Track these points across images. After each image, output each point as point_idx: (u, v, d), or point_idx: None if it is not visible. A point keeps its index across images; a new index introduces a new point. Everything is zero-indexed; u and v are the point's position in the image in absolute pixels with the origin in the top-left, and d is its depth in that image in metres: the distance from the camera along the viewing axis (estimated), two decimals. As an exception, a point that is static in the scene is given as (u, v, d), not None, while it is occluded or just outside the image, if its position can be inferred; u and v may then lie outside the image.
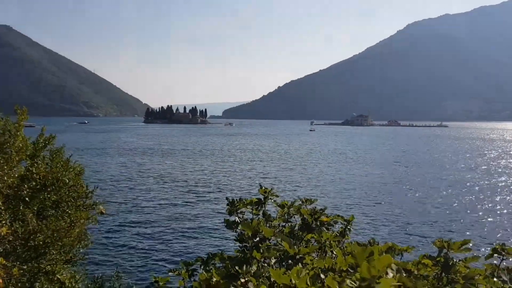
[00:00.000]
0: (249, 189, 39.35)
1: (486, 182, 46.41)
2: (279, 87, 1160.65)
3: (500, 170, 57.86)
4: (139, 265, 19.66)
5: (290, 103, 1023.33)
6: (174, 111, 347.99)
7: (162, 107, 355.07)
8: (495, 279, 3.12)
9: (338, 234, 4.42)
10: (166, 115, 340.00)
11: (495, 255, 3.47)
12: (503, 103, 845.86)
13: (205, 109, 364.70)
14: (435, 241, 3.25)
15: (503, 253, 3.38)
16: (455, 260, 3.12)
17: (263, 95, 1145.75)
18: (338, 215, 4.46)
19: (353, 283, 1.44)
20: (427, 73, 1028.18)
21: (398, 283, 1.65)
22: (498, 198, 36.93)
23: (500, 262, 3.45)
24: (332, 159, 69.76)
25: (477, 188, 42.35)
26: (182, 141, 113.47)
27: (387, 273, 1.75)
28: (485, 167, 61.03)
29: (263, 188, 4.42)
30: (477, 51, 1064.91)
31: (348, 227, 4.44)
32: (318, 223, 4.02)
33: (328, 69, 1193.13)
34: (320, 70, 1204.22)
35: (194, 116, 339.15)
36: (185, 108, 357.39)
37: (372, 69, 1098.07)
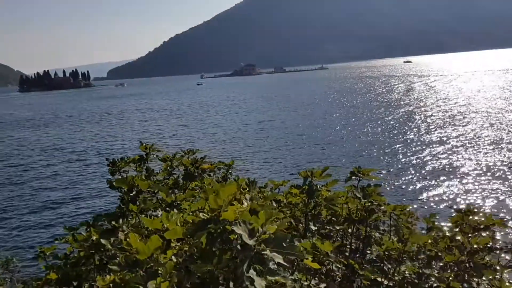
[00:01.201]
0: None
1: (364, 117, 50.58)
2: (164, 42, 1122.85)
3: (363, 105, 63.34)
4: (24, 237, 18.84)
5: (178, 57, 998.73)
6: (53, 76, 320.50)
7: (37, 73, 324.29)
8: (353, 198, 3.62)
9: (220, 179, 4.69)
10: (44, 82, 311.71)
11: (353, 177, 3.98)
12: (376, 43, 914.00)
13: (87, 71, 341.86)
14: (300, 172, 3.63)
15: (359, 175, 3.90)
16: (318, 186, 3.54)
17: (149, 52, 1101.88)
18: (220, 161, 4.71)
19: (205, 214, 1.62)
20: (307, 19, 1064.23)
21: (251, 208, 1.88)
22: (365, 129, 40.57)
23: (358, 183, 3.98)
24: (223, 111, 70.40)
25: (353, 120, 46.02)
26: (65, 109, 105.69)
27: (242, 203, 1.98)
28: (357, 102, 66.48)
29: (144, 144, 4.47)
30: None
31: (230, 171, 4.72)
32: (200, 171, 4.20)
33: (212, 20, 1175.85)
34: (204, 22, 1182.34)
35: (76, 80, 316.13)
36: (64, 72, 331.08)
37: (256, 18, 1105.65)
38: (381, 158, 29.10)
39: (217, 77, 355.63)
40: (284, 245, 1.59)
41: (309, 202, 3.44)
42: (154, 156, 4.51)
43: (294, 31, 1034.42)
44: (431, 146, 31.24)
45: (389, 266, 3.13)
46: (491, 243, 3.93)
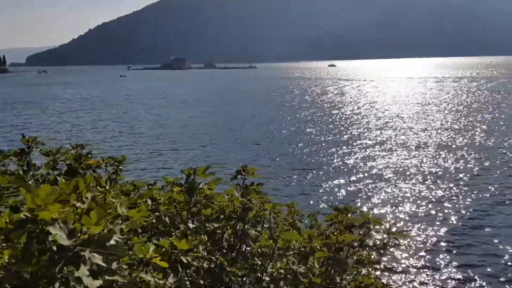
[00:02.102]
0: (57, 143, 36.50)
1: (286, 116, 51.89)
2: (90, 29, 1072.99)
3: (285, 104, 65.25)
4: None
5: (104, 47, 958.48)
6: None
7: None
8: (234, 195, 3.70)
9: (111, 176, 4.57)
10: None
11: (239, 176, 4.07)
12: (303, 46, 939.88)
13: (3, 56, 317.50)
14: (183, 170, 3.64)
15: (244, 173, 3.99)
16: (201, 185, 3.56)
17: (73, 39, 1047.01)
18: (111, 157, 4.58)
19: (25, 214, 1.57)
20: (237, 18, 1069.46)
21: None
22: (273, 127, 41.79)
23: (243, 181, 4.07)
24: (138, 107, 68.45)
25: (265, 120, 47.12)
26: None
27: (83, 201, 1.95)
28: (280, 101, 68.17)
29: (26, 137, 4.25)
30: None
31: (120, 167, 4.61)
32: (84, 167, 4.07)
33: (142, 11, 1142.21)
34: (134, 12, 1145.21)
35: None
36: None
37: (186, 12, 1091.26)
38: (287, 157, 30.00)
39: (146, 70, 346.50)
40: (107, 245, 1.59)
41: (189, 200, 3.46)
42: (38, 150, 4.30)
43: (225, 28, 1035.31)
44: (338, 146, 32.72)
45: (259, 263, 3.24)
46: (367, 240, 4.22)
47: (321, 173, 25.13)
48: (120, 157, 4.59)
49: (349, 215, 4.16)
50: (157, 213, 3.24)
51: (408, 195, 20.71)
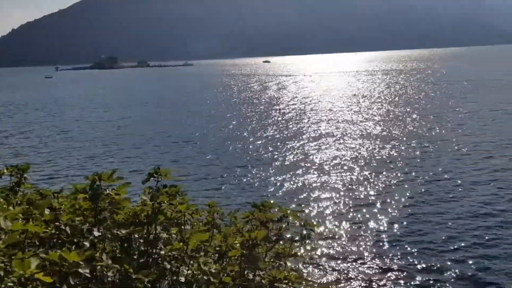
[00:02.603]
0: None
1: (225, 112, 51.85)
2: (13, 29, 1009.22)
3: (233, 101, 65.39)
4: None
5: (30, 47, 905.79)
6: None
7: None
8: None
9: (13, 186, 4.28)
10: None
11: (151, 178, 3.97)
12: (237, 42, 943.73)
13: None
14: (87, 176, 3.48)
15: (156, 176, 3.89)
16: (107, 191, 3.42)
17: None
18: (13, 166, 4.30)
19: None
20: (169, 15, 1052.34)
21: None
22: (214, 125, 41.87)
23: (156, 184, 3.98)
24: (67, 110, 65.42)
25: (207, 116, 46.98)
26: None
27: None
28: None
29: None
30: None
31: (24, 175, 4.34)
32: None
33: (69, 9, 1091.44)
34: (60, 10, 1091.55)
35: None
36: None
37: (117, 10, 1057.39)
38: (224, 155, 30.08)
39: (75, 70, 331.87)
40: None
41: (95, 207, 3.31)
42: None
43: (156, 26, 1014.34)
44: (274, 142, 33.26)
45: (168, 267, 3.17)
46: (285, 234, 4.28)
47: (256, 169, 25.33)
48: (24, 165, 4.32)
49: (269, 210, 4.20)
50: (57, 223, 3.06)
51: (341, 186, 21.42)
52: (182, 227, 3.46)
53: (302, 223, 4.26)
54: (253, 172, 24.69)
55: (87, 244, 3.19)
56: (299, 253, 4.43)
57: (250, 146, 32.16)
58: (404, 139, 31.47)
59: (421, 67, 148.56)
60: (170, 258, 3.24)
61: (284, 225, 4.25)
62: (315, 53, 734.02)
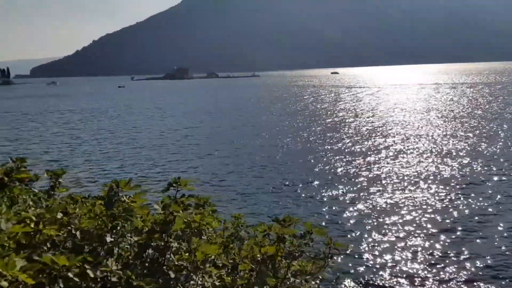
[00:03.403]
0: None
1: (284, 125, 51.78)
2: (94, 40, 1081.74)
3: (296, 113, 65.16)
4: None
5: (109, 58, 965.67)
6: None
7: None
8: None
9: (48, 189, 4.52)
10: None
11: (171, 188, 4.03)
12: (304, 53, 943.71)
13: (7, 68, 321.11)
14: (105, 184, 3.59)
15: (176, 185, 3.95)
16: (123, 198, 3.51)
17: (77, 50, 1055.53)
18: (49, 171, 4.55)
19: None
20: (240, 27, 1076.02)
21: None
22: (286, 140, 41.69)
23: (176, 193, 4.04)
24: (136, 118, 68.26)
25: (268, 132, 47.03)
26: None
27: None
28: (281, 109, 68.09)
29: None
30: (281, 6, 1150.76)
31: (59, 180, 4.58)
32: (15, 180, 4.03)
33: (146, 22, 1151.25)
34: (138, 23, 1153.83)
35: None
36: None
37: (190, 22, 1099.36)
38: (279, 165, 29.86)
39: (149, 80, 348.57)
40: None
41: (109, 213, 3.40)
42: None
43: (228, 37, 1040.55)
44: (335, 154, 32.55)
45: (172, 276, 3.18)
46: (303, 250, 4.15)
47: (318, 184, 24.94)
48: (59, 169, 4.57)
49: (292, 226, 4.10)
50: (68, 227, 3.18)
51: (401, 202, 20.53)
52: (194, 237, 3.46)
53: (328, 242, 4.11)
54: (314, 187, 24.31)
55: (99, 249, 3.29)
56: (320, 273, 4.27)
57: (324, 160, 31.36)
58: (469, 156, 29.62)
59: (492, 81, 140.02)
60: (176, 268, 3.25)
61: (305, 241, 4.14)
62: (381, 65, 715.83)
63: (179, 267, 3.23)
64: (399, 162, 28.97)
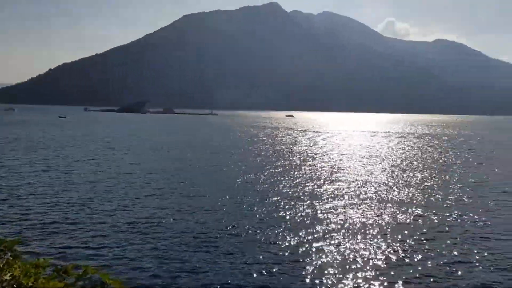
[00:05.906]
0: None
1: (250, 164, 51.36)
2: (50, 69, 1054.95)
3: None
4: None
5: (64, 87, 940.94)
6: None
7: None
8: None
9: None
10: None
11: None
12: (264, 96, 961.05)
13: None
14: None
15: None
16: None
17: (31, 77, 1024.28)
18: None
19: None
20: (201, 63, 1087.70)
21: None
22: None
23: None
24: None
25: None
26: None
27: None
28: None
29: None
30: (242, 44, 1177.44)
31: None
32: None
33: (105, 54, 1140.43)
34: (96, 54, 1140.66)
35: None
36: None
37: (149, 57, 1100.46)
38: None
39: (103, 111, 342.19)
40: None
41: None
42: None
43: (187, 74, 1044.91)
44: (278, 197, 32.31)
45: None
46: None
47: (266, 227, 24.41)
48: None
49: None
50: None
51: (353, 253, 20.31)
52: None
53: None
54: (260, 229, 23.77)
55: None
56: None
57: (268, 201, 30.88)
58: (435, 206, 30.23)
59: (440, 132, 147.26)
60: None
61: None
62: (335, 111, 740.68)
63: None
64: (342, 206, 29.09)
